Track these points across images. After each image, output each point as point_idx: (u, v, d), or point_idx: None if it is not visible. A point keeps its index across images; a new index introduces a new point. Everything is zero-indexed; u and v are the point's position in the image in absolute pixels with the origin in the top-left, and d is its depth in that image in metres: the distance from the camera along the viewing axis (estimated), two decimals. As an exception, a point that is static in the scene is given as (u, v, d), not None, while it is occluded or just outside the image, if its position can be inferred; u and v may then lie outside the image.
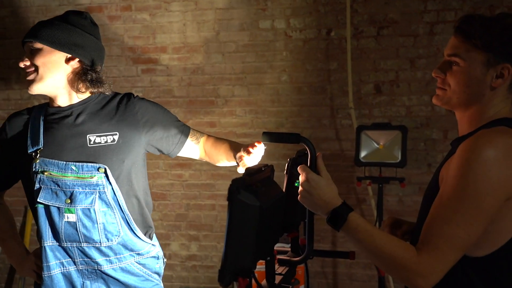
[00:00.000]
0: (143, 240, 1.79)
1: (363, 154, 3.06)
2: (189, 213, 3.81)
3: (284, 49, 3.60)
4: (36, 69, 1.71)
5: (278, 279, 1.33)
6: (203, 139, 1.93)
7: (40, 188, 1.68)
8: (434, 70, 1.37)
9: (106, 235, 1.71)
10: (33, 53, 1.71)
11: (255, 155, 1.58)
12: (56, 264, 1.72)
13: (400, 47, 3.47)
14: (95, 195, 1.69)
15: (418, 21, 3.43)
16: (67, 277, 1.74)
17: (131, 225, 1.75)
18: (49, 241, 1.71)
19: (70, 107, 1.77)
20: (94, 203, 1.69)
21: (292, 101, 3.61)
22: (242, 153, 1.62)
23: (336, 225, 1.26)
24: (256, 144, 1.59)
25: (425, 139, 3.48)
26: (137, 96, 1.88)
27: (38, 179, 1.69)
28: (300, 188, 1.28)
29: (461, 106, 1.35)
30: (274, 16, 3.59)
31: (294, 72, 3.60)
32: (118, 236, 1.72)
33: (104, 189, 1.70)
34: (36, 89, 1.73)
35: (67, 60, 1.74)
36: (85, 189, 1.69)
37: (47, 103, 1.83)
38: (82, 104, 1.78)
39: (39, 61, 1.70)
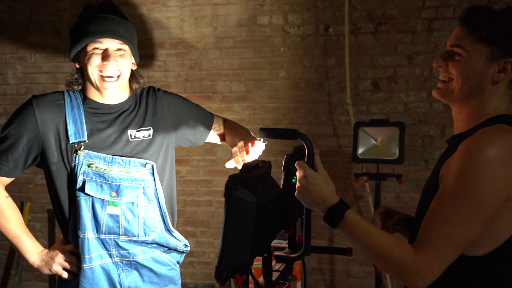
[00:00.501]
0: (174, 237, 1.81)
1: (360, 150, 3.05)
2: (186, 209, 3.80)
3: (282, 45, 3.59)
4: (123, 71, 1.73)
5: (275, 275, 1.32)
6: (223, 125, 2.01)
7: (84, 180, 1.68)
8: (435, 60, 1.34)
9: (144, 229, 1.73)
10: (121, 54, 1.71)
11: (253, 153, 1.62)
12: (96, 256, 1.71)
13: (398, 43, 3.46)
14: (140, 190, 1.72)
15: (416, 18, 3.43)
16: (105, 270, 1.73)
17: (166, 221, 1.79)
18: (90, 233, 1.69)
19: (118, 105, 1.79)
20: (139, 197, 1.72)
21: (289, 97, 3.61)
22: (238, 149, 1.67)
23: (333, 223, 1.25)
24: (255, 142, 1.64)
25: (423, 136, 3.48)
26: (160, 89, 1.93)
27: (83, 172, 1.68)
28: (298, 184, 1.28)
29: (461, 100, 1.33)
30: (272, 11, 3.58)
31: (291, 68, 3.59)
32: (155, 232, 1.75)
33: (148, 184, 1.74)
34: (120, 91, 1.76)
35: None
36: (131, 183, 1.72)
37: (77, 92, 1.78)
38: (126, 101, 1.81)
39: (126, 64, 1.73)
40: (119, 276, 1.74)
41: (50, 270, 1.73)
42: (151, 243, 1.76)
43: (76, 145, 1.69)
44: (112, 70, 1.68)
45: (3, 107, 3.98)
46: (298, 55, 3.58)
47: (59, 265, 1.73)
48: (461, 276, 1.25)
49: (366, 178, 3.17)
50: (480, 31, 1.25)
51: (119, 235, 1.71)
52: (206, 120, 1.97)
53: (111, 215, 1.69)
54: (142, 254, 1.76)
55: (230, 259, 1.08)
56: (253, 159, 1.64)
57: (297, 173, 1.29)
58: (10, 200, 1.75)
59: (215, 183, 3.74)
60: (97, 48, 1.68)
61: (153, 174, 1.76)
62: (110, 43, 1.69)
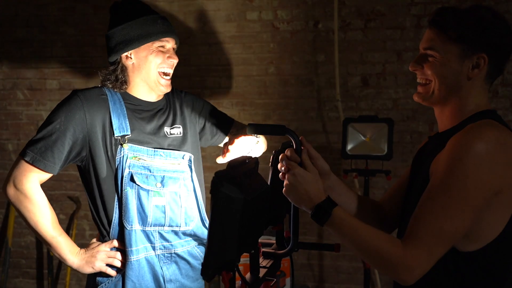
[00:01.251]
0: (207, 227, 1.85)
1: (349, 146, 3.05)
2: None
3: (271, 40, 3.58)
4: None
5: (262, 272, 1.32)
6: (241, 130, 2.06)
7: (131, 172, 1.71)
8: (411, 64, 1.39)
9: (185, 219, 1.80)
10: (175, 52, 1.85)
11: (234, 151, 1.79)
12: (141, 249, 1.73)
13: (387, 39, 3.47)
14: (181, 180, 1.81)
15: (405, 14, 3.44)
16: (150, 262, 1.75)
17: (201, 211, 1.87)
18: (136, 225, 1.72)
19: (156, 102, 1.86)
20: (181, 187, 1.80)
21: (279, 93, 3.60)
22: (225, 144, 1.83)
23: (320, 221, 1.25)
24: (235, 140, 1.80)
25: (411, 132, 3.49)
26: (183, 91, 2.03)
27: (129, 165, 1.72)
28: (286, 181, 1.27)
29: (441, 100, 1.36)
30: (262, 7, 3.57)
31: (281, 64, 3.59)
32: (194, 222, 1.82)
33: (187, 175, 1.83)
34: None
35: None
36: (173, 174, 1.79)
37: (116, 89, 1.81)
38: (161, 100, 1.89)
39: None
40: (161, 268, 1.77)
41: (93, 268, 1.72)
42: (189, 235, 1.82)
43: (120, 139, 1.72)
44: (171, 68, 1.82)
45: (-11, 103, 3.94)
46: (287, 51, 3.57)
47: (102, 261, 1.72)
48: (456, 272, 1.25)
49: (355, 174, 3.17)
50: (449, 31, 1.29)
51: (164, 226, 1.76)
52: (225, 123, 2.05)
53: (157, 206, 1.74)
54: (181, 247, 1.80)
55: (216, 256, 1.07)
56: (242, 155, 1.68)
57: (285, 170, 1.28)
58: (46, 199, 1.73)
59: (205, 179, 3.72)
60: (162, 47, 1.79)
61: (190, 165, 1.85)
62: (172, 42, 1.83)
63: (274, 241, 1.50)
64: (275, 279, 1.37)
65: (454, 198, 1.17)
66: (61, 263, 3.88)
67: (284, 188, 1.28)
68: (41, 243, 3.90)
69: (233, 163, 1.11)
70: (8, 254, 3.86)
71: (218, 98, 3.66)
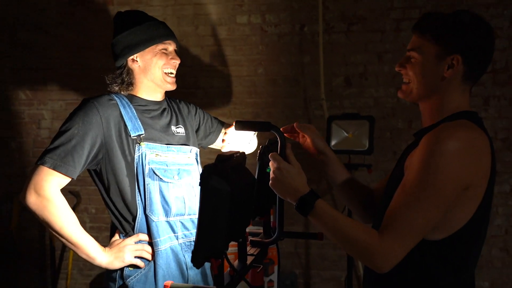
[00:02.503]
0: None
1: (333, 142, 3.06)
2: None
3: (260, 43, 3.58)
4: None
5: (250, 259, 1.33)
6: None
7: (151, 168, 1.73)
8: (396, 65, 1.42)
9: (198, 206, 1.79)
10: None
11: (229, 142, 1.85)
12: (166, 239, 1.74)
13: (369, 42, 3.48)
14: (192, 172, 1.86)
15: (385, 18, 3.45)
16: (174, 251, 1.76)
17: None
18: (161, 217, 1.73)
19: (160, 102, 1.88)
20: (193, 178, 1.85)
21: (267, 92, 3.61)
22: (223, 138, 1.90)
23: (304, 212, 1.26)
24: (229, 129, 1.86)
25: (391, 129, 3.51)
26: (177, 99, 2.06)
27: (148, 161, 1.73)
28: (272, 175, 1.28)
29: (421, 98, 1.37)
30: (251, 11, 3.57)
31: (269, 65, 3.59)
32: None
33: (195, 167, 1.89)
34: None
35: None
36: (186, 167, 1.83)
37: (123, 91, 1.82)
38: (163, 101, 1.91)
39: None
40: (184, 256, 1.78)
41: (123, 261, 1.69)
42: None
43: (137, 138, 1.73)
44: (174, 68, 1.84)
45: (-7, 102, 3.90)
46: (275, 53, 3.57)
47: (130, 255, 1.70)
48: (420, 259, 1.27)
49: (339, 168, 3.18)
50: (427, 34, 1.32)
51: (184, 215, 1.79)
52: (217, 124, 2.11)
53: (177, 197, 1.77)
54: None
55: (205, 245, 1.08)
56: (238, 147, 1.80)
57: (270, 165, 1.29)
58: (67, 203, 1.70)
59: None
60: (165, 49, 1.82)
61: (197, 158, 1.92)
62: (173, 45, 1.86)
63: (261, 231, 1.51)
64: (261, 266, 1.38)
65: (426, 193, 1.18)
66: (62, 254, 3.86)
67: (270, 182, 1.29)
68: (43, 236, 3.89)
69: (221, 158, 1.11)
70: (12, 246, 3.83)
71: (211, 97, 3.65)
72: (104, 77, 1.84)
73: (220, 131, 2.10)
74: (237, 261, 1.31)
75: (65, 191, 3.76)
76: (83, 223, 3.99)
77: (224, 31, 3.61)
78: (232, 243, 1.19)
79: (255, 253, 1.37)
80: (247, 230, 1.42)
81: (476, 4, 3.34)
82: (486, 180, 1.25)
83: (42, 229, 3.88)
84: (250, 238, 1.43)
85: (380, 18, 3.46)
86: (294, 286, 3.51)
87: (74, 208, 3.77)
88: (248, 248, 1.37)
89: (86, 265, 3.78)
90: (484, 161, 1.24)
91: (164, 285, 1.19)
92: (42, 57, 3.80)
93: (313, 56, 3.52)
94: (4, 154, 3.92)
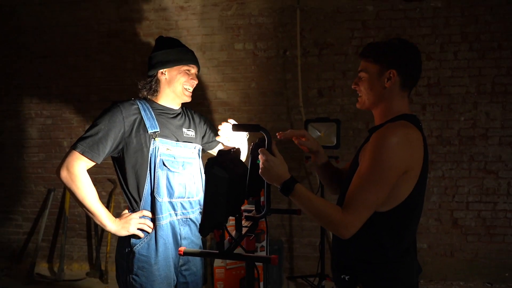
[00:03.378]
0: None
1: (309, 139, 3.05)
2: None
3: (253, 64, 3.56)
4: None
5: (244, 230, 1.32)
6: None
7: (161, 159, 1.69)
8: (352, 84, 1.43)
9: (196, 191, 1.81)
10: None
11: (223, 134, 1.83)
12: (167, 216, 1.71)
13: (335, 63, 3.47)
14: (194, 164, 1.82)
15: (348, 44, 3.44)
16: (172, 225, 1.74)
17: (202, 188, 1.86)
18: (165, 198, 1.70)
19: (176, 109, 1.85)
20: (194, 169, 1.81)
21: (259, 102, 3.59)
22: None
23: (286, 193, 1.26)
24: (219, 128, 1.83)
25: (353, 129, 3.51)
26: (192, 109, 2.01)
27: (160, 153, 1.69)
28: (261, 165, 1.27)
29: (372, 105, 1.37)
30: (245, 40, 3.54)
31: (260, 81, 3.57)
32: (200, 194, 1.84)
33: (197, 161, 1.84)
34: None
35: None
36: (189, 160, 1.79)
37: (142, 100, 1.79)
38: (179, 108, 1.88)
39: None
40: (179, 229, 1.76)
41: (127, 231, 1.67)
42: (196, 205, 1.82)
43: (152, 134, 1.69)
44: (192, 87, 1.82)
45: (49, 112, 3.86)
46: (264, 72, 3.55)
47: (134, 226, 1.68)
48: (372, 227, 1.27)
49: (314, 159, 3.18)
50: (370, 58, 1.33)
51: (184, 197, 1.76)
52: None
53: (180, 183, 1.74)
54: (192, 214, 1.79)
55: (210, 219, 1.07)
56: (229, 146, 1.77)
57: (260, 157, 1.28)
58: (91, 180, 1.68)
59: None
60: (188, 70, 1.79)
61: (199, 154, 1.88)
62: (195, 69, 1.84)
63: (254, 208, 1.50)
64: (253, 235, 1.37)
65: (375, 177, 1.19)
66: (103, 227, 3.83)
67: (260, 170, 1.28)
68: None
69: (221, 152, 1.10)
70: (66, 221, 3.81)
71: (215, 106, 3.63)
72: (133, 88, 1.81)
73: (218, 141, 2.05)
74: (234, 231, 1.29)
75: (104, 178, 3.77)
76: (118, 203, 3.98)
77: (225, 55, 3.58)
78: (230, 218, 1.18)
79: (248, 225, 1.36)
80: (243, 208, 1.41)
81: (415, 35, 3.35)
82: (419, 165, 1.25)
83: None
84: (244, 214, 1.41)
85: (344, 44, 3.44)
86: (281, 250, 3.50)
87: (111, 192, 3.75)
88: (243, 221, 1.36)
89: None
90: (418, 151, 1.25)
91: (179, 250, 1.17)
92: (86, 76, 3.77)
93: (294, 74, 3.50)
94: (57, 151, 3.89)
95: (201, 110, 3.61)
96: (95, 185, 1.67)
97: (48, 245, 3.92)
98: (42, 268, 3.90)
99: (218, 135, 2.03)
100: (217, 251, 1.12)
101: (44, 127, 3.86)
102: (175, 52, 1.78)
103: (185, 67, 1.79)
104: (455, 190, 3.43)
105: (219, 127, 1.85)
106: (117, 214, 1.76)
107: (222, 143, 1.94)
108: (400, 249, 1.29)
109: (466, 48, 3.32)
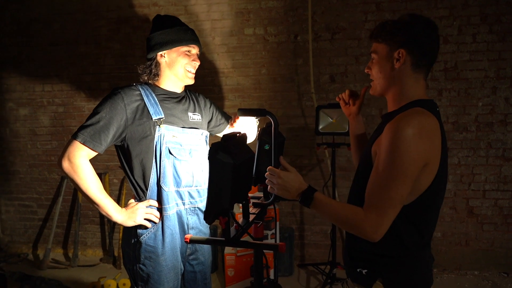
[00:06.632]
0: None
1: (321, 126, 3.00)
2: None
3: (263, 49, 3.49)
4: None
5: (252, 217, 1.29)
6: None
7: (167, 147, 1.63)
8: (365, 68, 1.36)
9: (204, 179, 1.76)
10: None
11: (239, 123, 1.85)
12: (174, 205, 1.68)
13: (348, 47, 3.38)
14: (201, 152, 1.76)
15: (361, 28, 3.34)
16: (179, 215, 1.71)
17: None
18: (171, 187, 1.66)
19: (180, 93, 1.78)
20: (202, 157, 1.76)
21: (269, 88, 3.53)
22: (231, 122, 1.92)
23: (306, 203, 1.22)
24: (236, 120, 1.79)
25: (366, 115, 3.43)
26: (196, 92, 1.95)
27: (166, 141, 1.63)
28: (276, 184, 1.22)
29: (383, 90, 1.31)
30: (255, 25, 3.47)
31: (270, 67, 3.50)
32: (206, 183, 1.74)
33: (204, 148, 1.79)
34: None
35: None
36: (196, 147, 1.74)
37: (144, 84, 1.71)
38: (183, 92, 1.81)
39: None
40: (187, 219, 1.73)
41: (134, 221, 1.63)
42: (204, 193, 1.77)
43: (157, 121, 1.62)
44: (194, 68, 1.74)
45: (61, 100, 3.88)
46: (275, 57, 3.49)
47: (141, 216, 1.63)
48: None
49: (325, 146, 3.13)
50: (379, 38, 1.27)
51: (191, 186, 1.71)
52: (225, 118, 2.00)
53: (187, 172, 1.69)
54: (200, 203, 1.76)
55: (214, 206, 1.04)
56: (235, 130, 1.69)
57: (271, 178, 1.23)
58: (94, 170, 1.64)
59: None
60: (189, 51, 1.71)
61: (206, 141, 1.81)
62: (196, 49, 1.76)
63: (262, 195, 1.47)
64: (261, 222, 1.35)
65: (396, 173, 1.13)
66: (116, 214, 3.87)
67: (276, 191, 1.24)
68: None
69: (225, 137, 1.07)
70: (79, 208, 3.86)
71: (224, 92, 3.59)
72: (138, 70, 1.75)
73: (227, 123, 2.00)
74: (241, 219, 1.27)
75: (116, 165, 3.78)
76: (130, 191, 4.00)
77: (235, 40, 3.52)
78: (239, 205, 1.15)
79: (256, 212, 1.33)
80: (251, 195, 1.38)
81: (432, 17, 3.22)
82: (438, 156, 1.19)
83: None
84: (252, 200, 1.38)
85: (357, 28, 3.34)
86: (291, 238, 3.49)
87: (123, 179, 3.77)
88: (250, 209, 1.33)
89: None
90: (436, 141, 1.17)
91: (185, 237, 1.15)
92: (96, 64, 3.76)
93: (305, 59, 3.43)
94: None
95: (211, 97, 3.57)
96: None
97: (63, 232, 3.99)
98: (57, 254, 3.98)
99: (226, 119, 1.99)
100: (223, 238, 1.09)
101: (56, 115, 3.89)
102: (174, 32, 1.68)
103: (185, 48, 1.70)
104: (471, 178, 3.33)
105: (234, 124, 1.81)
106: (129, 202, 1.74)
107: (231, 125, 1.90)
108: (420, 242, 1.24)
109: (485, 30, 3.19)
